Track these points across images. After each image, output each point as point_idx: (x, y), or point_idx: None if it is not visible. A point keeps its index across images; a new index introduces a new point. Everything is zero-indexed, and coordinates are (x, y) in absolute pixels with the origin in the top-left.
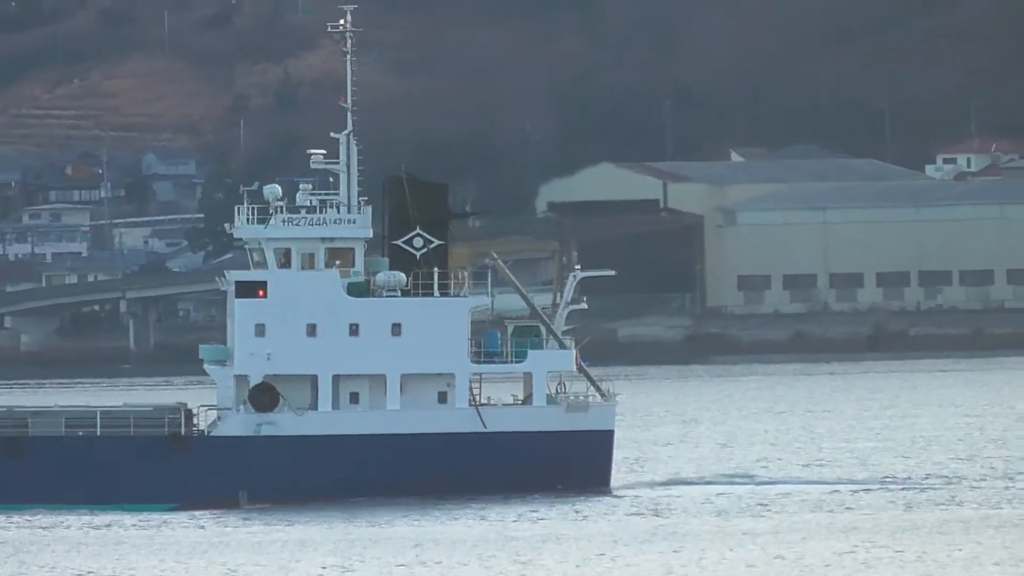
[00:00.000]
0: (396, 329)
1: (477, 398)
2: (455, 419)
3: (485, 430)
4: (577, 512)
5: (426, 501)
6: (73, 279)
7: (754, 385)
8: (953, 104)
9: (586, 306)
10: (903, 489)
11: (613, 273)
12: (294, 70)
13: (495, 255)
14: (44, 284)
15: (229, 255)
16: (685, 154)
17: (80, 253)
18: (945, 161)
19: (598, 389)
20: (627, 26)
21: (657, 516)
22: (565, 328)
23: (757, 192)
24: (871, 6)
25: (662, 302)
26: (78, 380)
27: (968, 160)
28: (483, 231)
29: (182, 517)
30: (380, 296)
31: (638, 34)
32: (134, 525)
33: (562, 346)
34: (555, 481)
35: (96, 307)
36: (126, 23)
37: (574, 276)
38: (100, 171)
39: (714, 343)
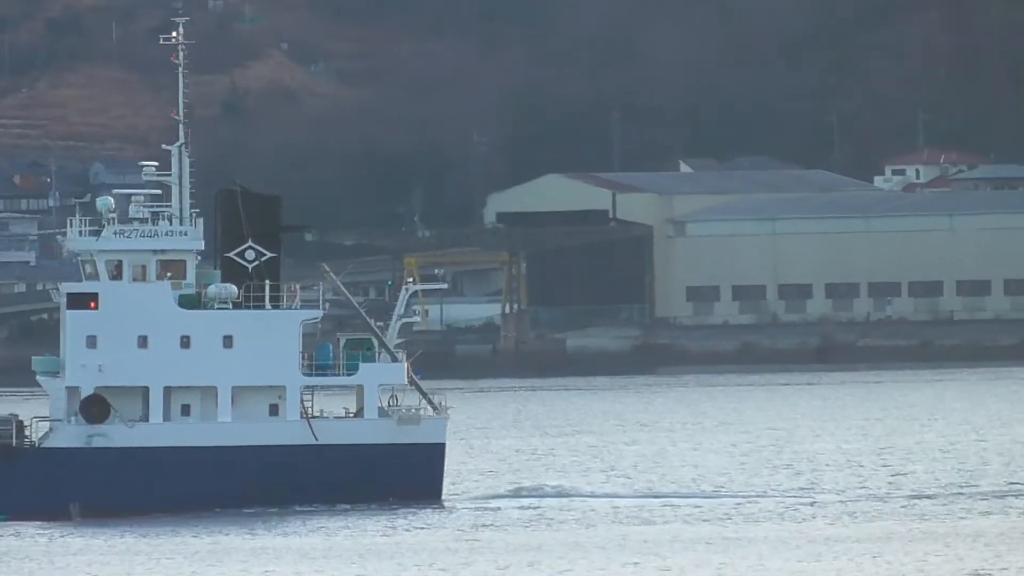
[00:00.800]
0: (227, 341)
1: (309, 410)
2: (286, 431)
3: (316, 442)
4: (393, 526)
5: (257, 513)
6: (21, 288)
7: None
8: (902, 115)
9: (419, 319)
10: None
11: (446, 286)
12: (241, 80)
13: (327, 267)
14: None
15: None
16: (633, 165)
17: (28, 262)
18: (894, 172)
19: (430, 402)
20: (575, 38)
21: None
22: (398, 341)
23: (706, 203)
24: (820, 19)
25: (611, 313)
26: (26, 389)
27: (917, 171)
28: (432, 241)
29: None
30: (212, 308)
31: (586, 46)
32: None
33: (394, 359)
34: (387, 493)
35: (44, 316)
36: (73, 33)
37: (406, 289)
38: (48, 180)
39: (663, 354)
